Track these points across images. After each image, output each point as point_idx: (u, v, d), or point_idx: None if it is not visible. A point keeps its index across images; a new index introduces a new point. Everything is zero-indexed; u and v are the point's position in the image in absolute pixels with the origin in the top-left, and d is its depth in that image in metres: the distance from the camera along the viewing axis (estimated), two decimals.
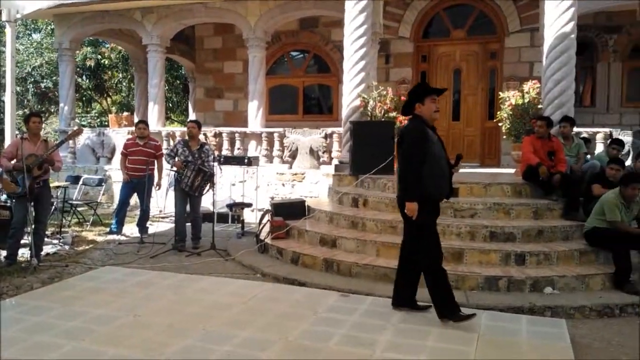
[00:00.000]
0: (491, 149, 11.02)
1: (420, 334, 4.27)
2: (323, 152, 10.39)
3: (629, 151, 8.85)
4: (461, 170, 9.34)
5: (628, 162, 7.87)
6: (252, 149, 11.07)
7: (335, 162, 9.57)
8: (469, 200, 6.84)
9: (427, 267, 4.56)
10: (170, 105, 21.84)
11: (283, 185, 10.35)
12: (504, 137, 8.85)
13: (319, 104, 13.62)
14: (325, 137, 10.45)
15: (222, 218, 9.36)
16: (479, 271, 5.64)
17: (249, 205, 8.96)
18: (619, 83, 11.27)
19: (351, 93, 8.76)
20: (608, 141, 8.39)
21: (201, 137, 7.86)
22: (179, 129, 12.13)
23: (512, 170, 8.42)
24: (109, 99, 22.63)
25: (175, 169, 7.46)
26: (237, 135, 11.16)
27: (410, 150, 4.45)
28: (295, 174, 10.32)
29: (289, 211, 7.76)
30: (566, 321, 4.78)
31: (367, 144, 8.10)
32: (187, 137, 7.76)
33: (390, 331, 4.34)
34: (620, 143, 7.47)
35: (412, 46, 11.70)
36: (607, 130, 9.30)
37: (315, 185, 10.04)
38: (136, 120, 12.15)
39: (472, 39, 11.30)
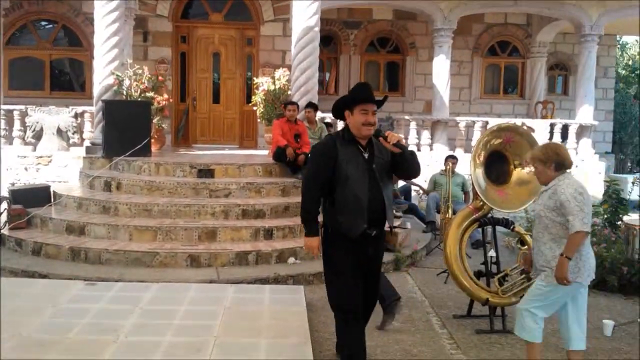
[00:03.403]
0: (249, 131, 11.50)
1: (167, 314, 4.33)
2: (73, 133, 9.67)
3: None
4: (219, 152, 9.72)
5: None
6: None
7: (87, 143, 8.97)
8: (224, 181, 7.08)
9: (333, 309, 3.59)
10: None
11: (26, 169, 9.33)
12: (259, 120, 9.33)
13: (69, 80, 12.53)
14: (76, 116, 9.73)
15: None
16: (230, 247, 5.93)
17: None
18: (358, 73, 12.72)
19: (104, 70, 8.30)
20: None
21: None
22: None
23: (266, 152, 8.93)
24: None
25: None
26: None
27: (306, 171, 3.63)
28: (41, 157, 9.40)
29: (31, 198, 7.06)
30: (305, 287, 5.32)
31: (122, 125, 7.77)
32: None
33: (137, 314, 4.32)
34: None
35: (171, 26, 11.48)
36: None
37: (65, 169, 9.29)
38: None
39: (230, 24, 11.56)
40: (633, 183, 8.17)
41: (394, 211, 7.83)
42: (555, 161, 3.53)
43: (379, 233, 3.46)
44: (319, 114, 8.61)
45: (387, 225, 3.50)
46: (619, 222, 6.85)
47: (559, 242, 3.50)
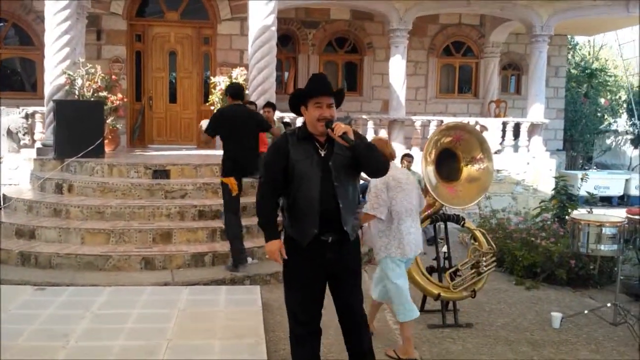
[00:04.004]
0: None
1: (120, 318, 4.27)
2: (24, 134, 9.39)
3: None
4: (176, 153, 9.59)
5: None
6: None
7: (38, 145, 8.74)
8: (180, 182, 7.02)
9: (288, 318, 3.28)
10: None
11: None
12: None
13: (20, 80, 12.16)
14: (27, 117, 9.45)
15: None
16: (186, 249, 5.89)
17: None
18: None
19: (55, 69, 8.13)
20: None
21: None
22: None
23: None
24: None
25: None
26: None
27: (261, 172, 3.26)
28: None
29: None
30: (262, 287, 5.32)
31: (74, 125, 7.63)
32: None
33: (88, 319, 4.24)
34: None
35: (126, 24, 11.25)
36: None
37: (15, 172, 9.00)
38: None
39: (186, 23, 11.39)
40: (582, 179, 8.46)
41: None
42: None
43: (336, 239, 3.06)
44: (278, 114, 8.59)
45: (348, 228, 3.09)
46: (567, 217, 7.09)
47: (377, 226, 4.04)
